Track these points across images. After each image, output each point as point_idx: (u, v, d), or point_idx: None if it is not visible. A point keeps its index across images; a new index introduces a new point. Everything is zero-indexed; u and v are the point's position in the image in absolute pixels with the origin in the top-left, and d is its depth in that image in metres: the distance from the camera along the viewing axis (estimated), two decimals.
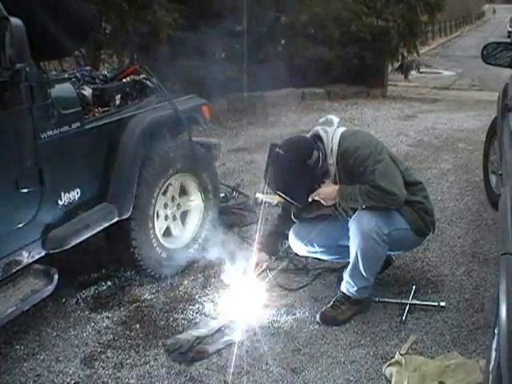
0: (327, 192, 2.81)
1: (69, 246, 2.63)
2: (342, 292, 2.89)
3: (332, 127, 2.89)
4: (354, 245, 2.78)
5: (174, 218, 3.33)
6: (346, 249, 2.87)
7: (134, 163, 2.95)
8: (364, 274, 2.81)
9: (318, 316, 2.86)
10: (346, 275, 2.88)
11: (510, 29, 23.35)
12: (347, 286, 2.87)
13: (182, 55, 6.75)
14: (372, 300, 2.98)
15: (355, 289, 2.84)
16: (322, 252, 3.08)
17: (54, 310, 2.95)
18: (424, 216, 2.93)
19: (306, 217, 3.03)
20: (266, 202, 4.43)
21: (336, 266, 3.24)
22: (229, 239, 3.78)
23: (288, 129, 6.94)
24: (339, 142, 2.80)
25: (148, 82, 3.32)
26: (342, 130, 2.89)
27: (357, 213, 2.78)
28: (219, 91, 6.93)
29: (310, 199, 2.83)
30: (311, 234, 3.01)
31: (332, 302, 2.90)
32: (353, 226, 2.78)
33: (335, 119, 2.95)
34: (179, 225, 3.39)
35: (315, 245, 3.04)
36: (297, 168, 2.74)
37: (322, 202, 2.84)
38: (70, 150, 2.69)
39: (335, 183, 2.83)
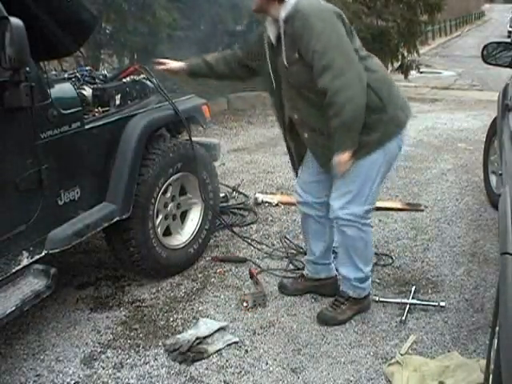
0: (344, 160, 2.53)
1: (69, 246, 2.62)
2: (342, 291, 2.89)
3: None
4: (338, 239, 2.79)
5: (174, 217, 3.33)
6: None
7: (134, 163, 2.95)
8: (358, 264, 2.78)
9: (317, 316, 2.86)
10: (341, 272, 2.88)
11: (510, 29, 23.35)
12: (344, 282, 2.86)
13: (182, 55, 6.75)
14: (372, 300, 2.98)
15: (352, 282, 2.81)
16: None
17: (53, 310, 2.96)
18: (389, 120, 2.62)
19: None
20: (266, 202, 4.44)
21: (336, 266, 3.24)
22: (229, 239, 3.79)
23: None
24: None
25: (148, 82, 3.32)
26: None
27: (331, 202, 2.71)
28: (219, 91, 6.93)
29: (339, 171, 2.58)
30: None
31: (332, 302, 2.89)
32: (329, 220, 2.79)
33: None
34: (179, 224, 3.39)
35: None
36: None
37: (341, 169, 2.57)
38: (70, 149, 2.69)
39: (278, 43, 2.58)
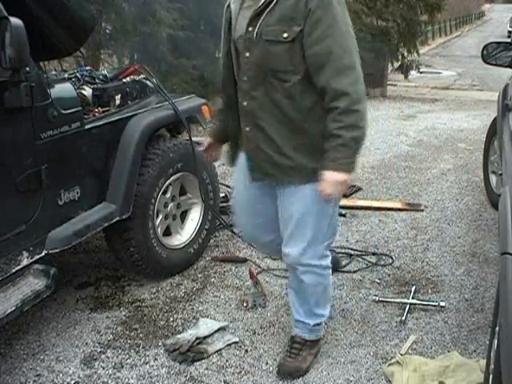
0: (343, 180, 2.07)
1: (69, 246, 2.63)
2: (296, 336, 2.54)
3: None
4: (294, 285, 2.46)
5: (174, 217, 3.34)
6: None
7: (134, 163, 2.95)
8: (315, 311, 2.47)
9: (278, 369, 2.48)
10: (295, 316, 2.52)
11: (510, 29, 23.37)
12: (300, 327, 2.52)
13: (182, 55, 6.75)
14: (372, 300, 2.98)
15: (310, 328, 2.49)
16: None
17: (53, 310, 2.96)
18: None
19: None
20: None
21: (337, 267, 3.24)
22: (229, 239, 3.79)
23: None
24: None
25: (148, 82, 3.32)
26: None
27: (285, 250, 2.32)
28: (219, 91, 6.92)
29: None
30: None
31: (288, 350, 2.54)
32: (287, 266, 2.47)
33: None
34: (179, 224, 3.39)
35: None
36: None
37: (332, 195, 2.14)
38: (70, 149, 2.69)
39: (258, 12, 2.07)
